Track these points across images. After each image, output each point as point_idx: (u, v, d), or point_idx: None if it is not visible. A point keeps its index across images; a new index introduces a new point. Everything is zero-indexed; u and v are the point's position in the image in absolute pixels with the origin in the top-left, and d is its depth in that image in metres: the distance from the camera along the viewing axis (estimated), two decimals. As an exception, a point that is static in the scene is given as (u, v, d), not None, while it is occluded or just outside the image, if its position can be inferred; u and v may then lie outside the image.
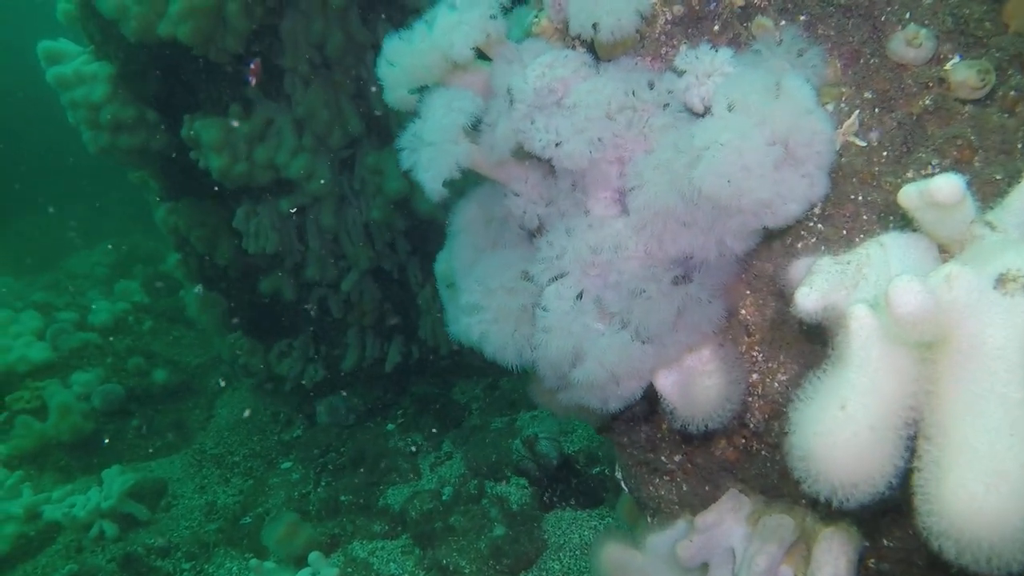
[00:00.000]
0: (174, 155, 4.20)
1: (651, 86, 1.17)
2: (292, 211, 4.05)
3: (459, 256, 1.47)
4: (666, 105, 1.16)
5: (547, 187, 1.28)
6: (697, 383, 1.23)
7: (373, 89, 3.87)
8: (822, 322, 1.03)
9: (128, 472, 4.70)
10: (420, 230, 4.27)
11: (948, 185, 0.93)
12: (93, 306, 6.90)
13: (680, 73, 1.15)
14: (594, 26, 1.18)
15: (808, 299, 1.01)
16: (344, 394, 4.91)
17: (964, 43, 1.23)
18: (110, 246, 13.96)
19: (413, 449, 4.23)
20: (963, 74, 1.19)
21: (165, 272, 8.04)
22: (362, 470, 4.11)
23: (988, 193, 1.19)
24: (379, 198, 3.94)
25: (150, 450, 5.29)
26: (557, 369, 1.22)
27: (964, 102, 1.20)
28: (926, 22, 1.21)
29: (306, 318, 4.84)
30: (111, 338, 6.22)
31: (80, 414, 5.15)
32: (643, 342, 1.16)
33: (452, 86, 1.40)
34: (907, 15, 1.22)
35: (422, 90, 1.48)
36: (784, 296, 1.20)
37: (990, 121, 1.21)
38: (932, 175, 1.18)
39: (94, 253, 13.58)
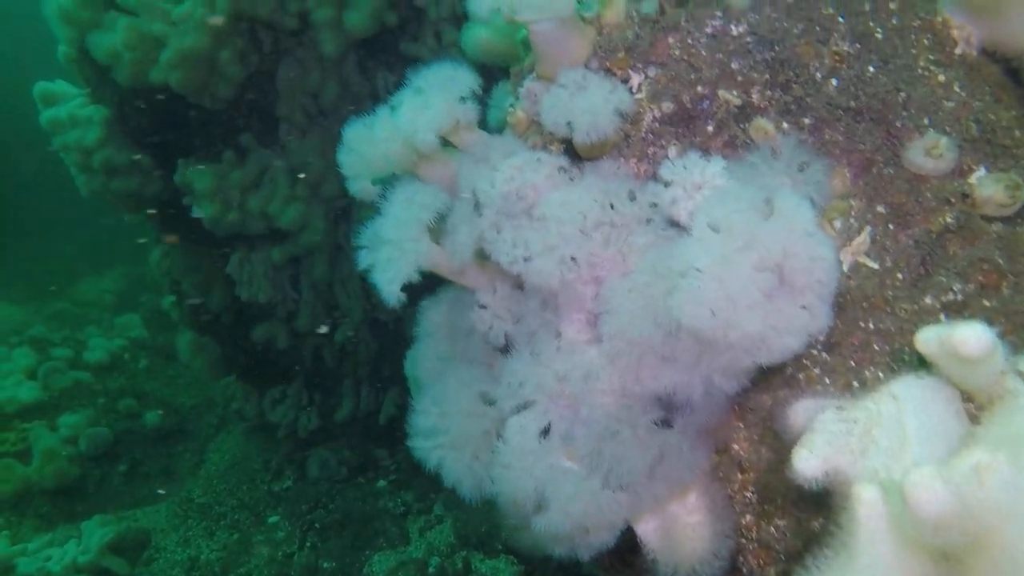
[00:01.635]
0: (168, 199, 4.11)
1: (632, 198, 1.03)
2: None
3: (422, 365, 1.32)
4: (648, 220, 1.01)
5: (516, 301, 1.14)
6: (681, 532, 1.07)
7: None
8: (825, 486, 0.87)
9: (111, 523, 4.55)
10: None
11: (975, 338, 0.77)
12: (90, 342, 6.81)
13: (666, 184, 1.01)
14: (568, 125, 1.05)
15: (807, 464, 0.85)
16: (336, 446, 4.76)
17: (990, 153, 1.08)
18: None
19: (403, 510, 4.06)
20: (990, 188, 1.04)
21: (161, 307, 7.91)
22: (349, 532, 3.94)
23: (1018, 325, 1.04)
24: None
25: (136, 497, 5.14)
26: (518, 509, 1.07)
27: (991, 220, 1.05)
28: (947, 129, 1.07)
29: (300, 365, 4.71)
30: (105, 377, 6.11)
31: (65, 459, 5.01)
32: (615, 490, 1.01)
33: (416, 177, 1.27)
34: (926, 120, 1.07)
35: (386, 180, 1.36)
36: (782, 439, 1.05)
37: (1020, 242, 1.06)
38: (954, 302, 1.03)
39: (103, 279, 13.55)
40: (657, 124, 1.11)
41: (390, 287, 1.14)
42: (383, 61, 3.69)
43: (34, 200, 19.45)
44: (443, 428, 1.14)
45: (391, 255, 1.14)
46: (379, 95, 3.70)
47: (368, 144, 1.27)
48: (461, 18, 3.62)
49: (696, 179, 1.00)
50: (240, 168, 3.70)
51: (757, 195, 0.93)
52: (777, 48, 1.07)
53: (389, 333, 4.47)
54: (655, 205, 1.02)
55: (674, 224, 1.02)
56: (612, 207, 1.02)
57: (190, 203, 3.95)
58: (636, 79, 1.11)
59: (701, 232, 0.92)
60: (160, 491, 5.14)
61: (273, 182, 3.75)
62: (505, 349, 1.16)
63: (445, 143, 1.19)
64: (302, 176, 3.69)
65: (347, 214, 4.04)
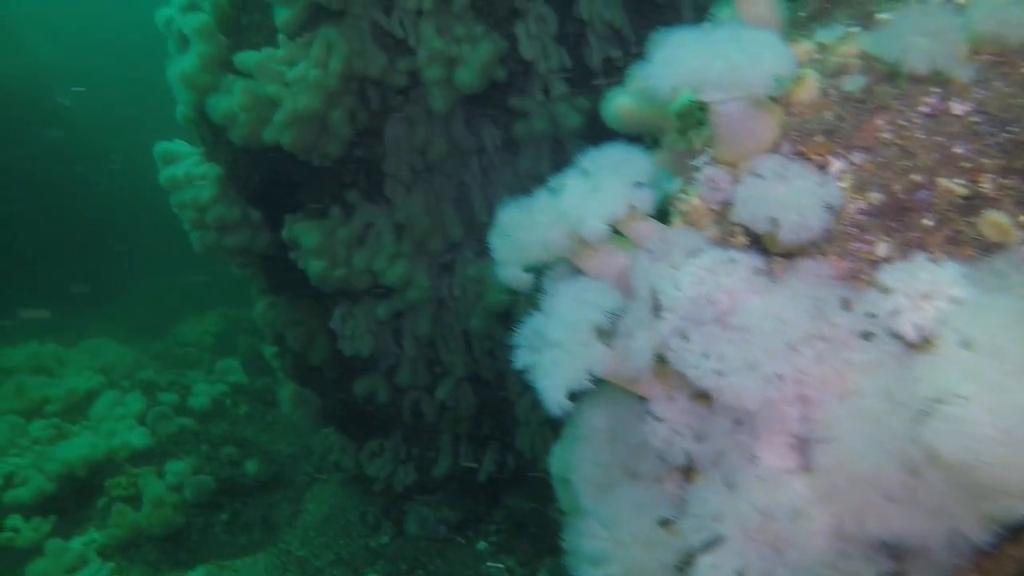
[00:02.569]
0: (274, 254, 4.16)
1: (846, 306, 0.90)
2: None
3: (579, 470, 1.20)
4: (869, 334, 0.88)
5: (698, 416, 1.01)
6: None
7: (475, 196, 3.71)
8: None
9: (214, 574, 4.58)
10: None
11: None
12: (194, 388, 6.99)
13: (886, 291, 0.87)
14: (771, 221, 0.92)
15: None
16: (434, 503, 4.67)
17: None
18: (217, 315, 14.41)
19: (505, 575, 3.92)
20: None
21: (261, 352, 8.09)
22: (449, 597, 3.82)
23: None
24: (479, 307, 3.74)
25: (237, 546, 5.17)
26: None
27: None
28: None
29: (399, 419, 4.66)
30: (208, 423, 6.24)
31: (172, 506, 5.10)
32: (834, 652, 0.86)
33: (577, 269, 1.17)
34: None
35: (540, 268, 1.26)
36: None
37: None
38: None
39: (204, 321, 14.04)
40: (863, 217, 0.97)
41: (555, 393, 1.03)
42: (489, 115, 3.66)
43: (144, 247, 20.46)
44: (615, 556, 1.02)
45: (558, 358, 1.03)
46: (485, 150, 3.66)
47: (524, 229, 1.17)
48: (569, 71, 3.56)
49: (925, 287, 0.85)
50: (346, 225, 3.71)
51: (1018, 307, 0.78)
52: (1013, 129, 0.92)
53: (491, 390, 4.38)
54: (873, 316, 0.88)
55: (897, 337, 0.87)
56: (824, 317, 0.88)
57: (296, 258, 3.99)
58: (837, 166, 0.98)
59: (952, 352, 0.78)
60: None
61: (378, 238, 3.74)
62: (686, 470, 1.03)
63: (614, 233, 1.08)
64: (406, 232, 3.66)
65: (450, 269, 3.99)
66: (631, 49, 3.59)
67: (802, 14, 1.40)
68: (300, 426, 5.40)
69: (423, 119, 3.46)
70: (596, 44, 3.49)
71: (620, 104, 1.60)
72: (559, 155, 3.63)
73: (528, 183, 3.70)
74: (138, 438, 5.68)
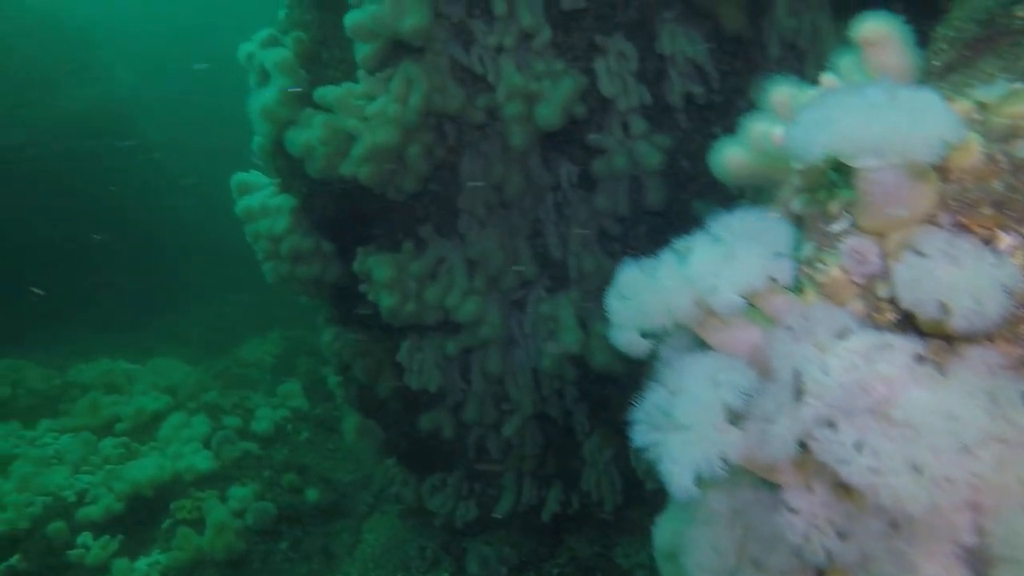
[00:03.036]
0: (345, 285, 4.16)
1: (1029, 403, 0.80)
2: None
3: (696, 555, 1.11)
4: (1057, 437, 0.78)
5: (842, 512, 0.92)
6: None
7: (549, 232, 3.66)
8: None
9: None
10: (591, 378, 3.95)
11: None
12: (257, 412, 7.06)
13: (1077, 387, 0.78)
14: (941, 306, 0.83)
15: None
16: (495, 542, 4.58)
17: None
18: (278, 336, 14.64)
19: (569, 622, 3.80)
20: None
21: (325, 376, 8.18)
22: (512, 643, 3.71)
23: None
24: (551, 347, 3.66)
25: (296, 575, 5.16)
26: None
27: None
28: None
29: (463, 455, 4.60)
30: (270, 448, 6.28)
31: (234, 532, 5.12)
32: None
33: (703, 342, 1.09)
34: None
35: (659, 335, 1.18)
36: None
37: None
38: None
39: (265, 342, 14.28)
40: (1036, 296, 0.87)
41: (683, 479, 0.95)
42: (565, 152, 3.61)
43: (209, 268, 20.98)
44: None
45: (688, 441, 0.95)
46: (561, 187, 3.61)
47: (646, 293, 1.09)
48: (649, 108, 3.49)
49: (1124, 384, 0.75)
50: (419, 259, 3.69)
51: None
52: None
53: (557, 429, 4.29)
54: (1062, 415, 0.78)
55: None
56: (1004, 416, 0.78)
57: (366, 290, 3.99)
58: (1008, 241, 0.88)
59: None
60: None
61: (450, 274, 3.71)
62: (822, 571, 0.93)
63: (748, 305, 1.00)
64: (480, 268, 3.62)
65: (521, 306, 3.93)
66: (713, 86, 3.51)
67: (936, 63, 1.31)
68: (362, 456, 5.38)
69: (499, 155, 3.43)
70: (677, 81, 3.42)
71: (732, 155, 1.52)
72: (637, 194, 3.55)
73: (605, 222, 3.63)
74: (203, 461, 5.75)
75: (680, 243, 1.12)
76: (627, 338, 1.16)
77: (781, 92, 1.39)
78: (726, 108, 3.61)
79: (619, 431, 4.21)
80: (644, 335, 1.16)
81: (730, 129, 4.05)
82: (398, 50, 3.37)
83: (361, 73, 3.37)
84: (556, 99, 3.10)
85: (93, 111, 16.39)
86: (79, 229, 15.27)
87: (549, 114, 3.08)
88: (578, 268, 3.61)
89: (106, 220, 16.20)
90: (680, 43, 3.38)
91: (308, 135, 3.48)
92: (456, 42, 3.33)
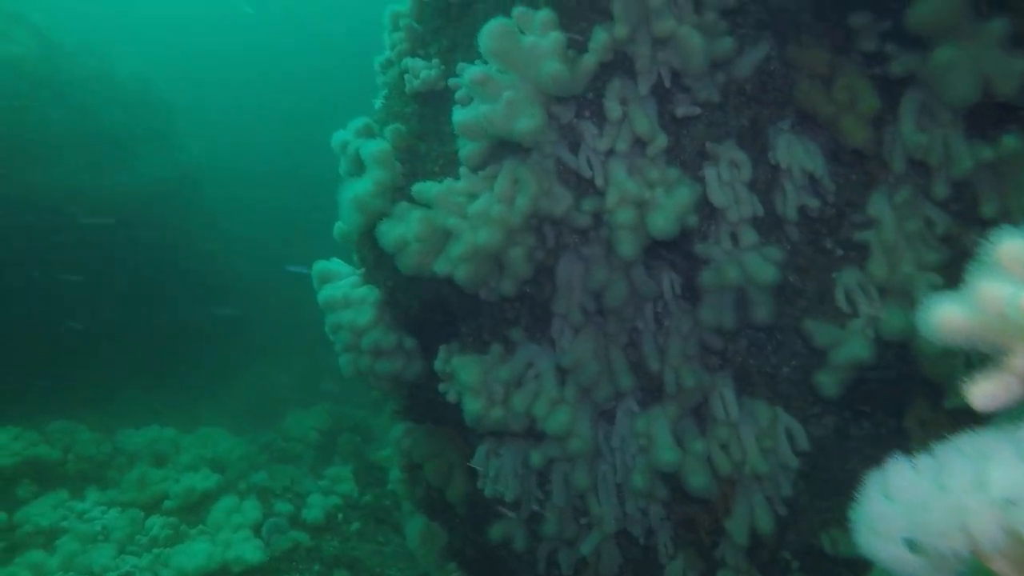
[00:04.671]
0: (423, 383, 4.00)
1: None
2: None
3: None
4: None
5: None
6: None
7: (646, 342, 3.46)
8: None
9: None
10: (678, 497, 3.68)
11: None
12: (308, 499, 6.85)
13: None
14: None
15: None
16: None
17: None
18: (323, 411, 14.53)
19: None
20: None
21: (375, 462, 7.98)
22: None
23: None
24: (642, 463, 3.42)
25: None
26: None
27: None
28: None
29: (532, 569, 4.30)
30: (320, 539, 6.04)
31: (280, 632, 4.86)
32: None
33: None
34: None
35: (929, 553, 0.97)
36: None
37: None
38: None
39: (309, 415, 14.16)
40: None
41: None
42: (667, 260, 3.44)
43: (257, 335, 21.17)
44: None
45: None
46: (662, 296, 3.42)
47: (932, 503, 0.89)
48: (760, 220, 3.33)
49: None
50: (507, 364, 3.51)
51: None
52: None
53: (637, 548, 3.99)
54: None
55: None
56: None
57: (446, 390, 3.81)
58: None
59: None
60: None
61: (539, 381, 3.52)
62: None
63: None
64: (571, 377, 3.43)
65: (608, 417, 3.71)
66: (828, 199, 3.34)
67: None
68: (420, 558, 5.10)
69: (602, 261, 3.27)
70: (792, 193, 3.25)
71: (949, 314, 1.33)
72: (743, 308, 3.35)
73: (706, 335, 3.43)
74: (252, 552, 5.53)
75: (968, 443, 0.92)
76: (889, 551, 0.95)
77: (1013, 248, 1.21)
78: (838, 222, 3.42)
79: (705, 555, 3.90)
80: (913, 549, 0.95)
81: (842, 243, 3.83)
82: (501, 148, 3.28)
83: (463, 170, 3.28)
84: (671, 208, 2.94)
85: (166, 179, 16.89)
86: (140, 289, 15.52)
87: (663, 223, 2.92)
88: (676, 382, 3.38)
89: (165, 282, 16.48)
90: (797, 154, 3.23)
91: (403, 230, 3.38)
92: (563, 143, 3.22)
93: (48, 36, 14.07)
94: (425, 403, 4.26)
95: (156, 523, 5.92)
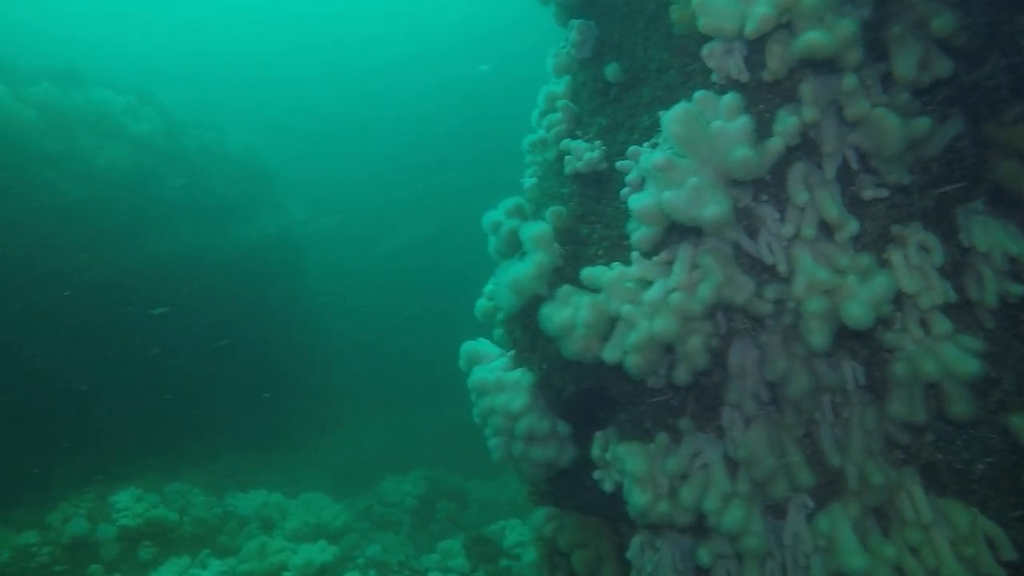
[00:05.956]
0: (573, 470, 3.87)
1: None
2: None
3: None
4: None
5: None
6: None
7: (824, 436, 3.25)
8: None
9: None
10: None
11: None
12: (428, 576, 6.74)
13: None
14: None
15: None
16: None
17: None
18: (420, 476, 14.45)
19: None
20: None
21: (485, 535, 7.81)
22: None
23: None
24: (820, 565, 3.18)
25: None
26: None
27: None
28: None
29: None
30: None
31: None
32: None
33: None
34: None
35: None
36: None
37: None
38: None
39: (406, 481, 14.12)
40: None
41: None
42: (847, 347, 3.25)
43: (348, 397, 21.39)
44: None
45: None
46: (846, 389, 3.22)
47: None
48: (950, 307, 3.12)
49: None
50: (675, 454, 3.35)
51: None
52: None
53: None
54: None
55: None
56: None
57: (601, 477, 3.67)
58: None
59: None
60: None
61: (707, 472, 3.34)
62: None
63: None
64: (744, 470, 3.24)
65: (774, 511, 3.49)
66: (1028, 284, 3.11)
67: None
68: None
69: (781, 350, 3.10)
70: (991, 278, 3.04)
71: None
72: (935, 403, 3.12)
73: (893, 429, 3.20)
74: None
75: None
76: None
77: None
78: (1035, 307, 3.18)
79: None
80: None
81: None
82: (673, 232, 3.19)
83: (635, 255, 3.19)
84: (866, 297, 2.78)
85: (269, 240, 17.48)
86: (241, 348, 15.92)
87: (859, 313, 2.76)
88: (861, 479, 3.16)
89: (267, 342, 16.86)
90: (997, 237, 3.03)
91: (568, 314, 3.30)
92: (738, 228, 3.11)
93: (171, 112, 14.95)
94: (569, 489, 4.12)
95: (278, 597, 5.91)
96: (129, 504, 7.73)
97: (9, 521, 9.42)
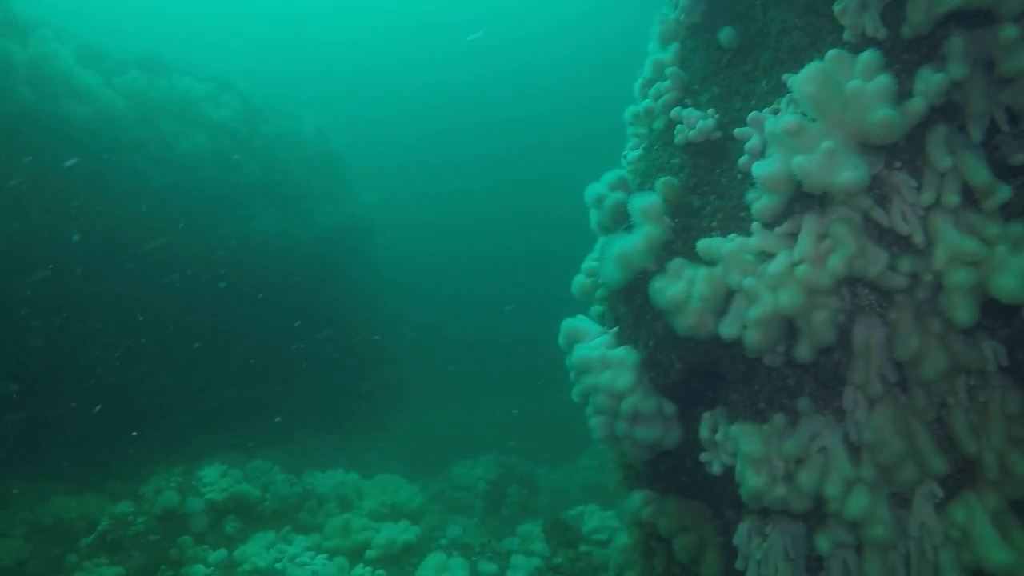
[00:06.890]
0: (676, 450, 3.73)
1: None
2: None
3: None
4: None
5: None
6: None
7: (957, 421, 3.05)
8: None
9: None
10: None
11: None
12: (512, 560, 6.68)
13: None
14: None
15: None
16: None
17: None
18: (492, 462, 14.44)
19: None
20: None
21: (564, 520, 7.71)
22: None
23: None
24: (951, 559, 2.98)
25: None
26: None
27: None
28: None
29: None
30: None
31: None
32: None
33: None
34: None
35: None
36: None
37: None
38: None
39: (477, 465, 14.14)
40: None
41: None
42: (985, 326, 3.02)
43: (415, 380, 21.55)
44: None
45: None
46: (985, 370, 3.01)
47: None
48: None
49: None
50: (793, 437, 3.19)
51: None
52: None
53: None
54: None
55: None
56: None
57: (708, 459, 3.53)
58: None
59: None
60: None
61: (826, 456, 3.16)
62: None
63: None
64: (868, 455, 3.05)
65: (897, 499, 3.29)
66: None
67: None
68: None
69: (913, 327, 2.91)
70: None
71: None
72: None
73: (1038, 414, 2.97)
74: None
75: None
76: None
77: None
78: None
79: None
80: None
81: None
82: (795, 203, 3.02)
83: (755, 226, 3.03)
84: (1019, 268, 2.57)
85: (342, 225, 17.69)
86: (311, 333, 16.16)
87: (1012, 284, 2.55)
88: (1000, 468, 2.94)
89: (337, 327, 17.07)
90: None
91: (682, 288, 3.17)
92: (872, 196, 2.92)
93: (248, 99, 15.23)
94: (669, 472, 3.99)
95: (364, 573, 5.92)
96: (215, 479, 7.91)
97: (104, 491, 9.79)
